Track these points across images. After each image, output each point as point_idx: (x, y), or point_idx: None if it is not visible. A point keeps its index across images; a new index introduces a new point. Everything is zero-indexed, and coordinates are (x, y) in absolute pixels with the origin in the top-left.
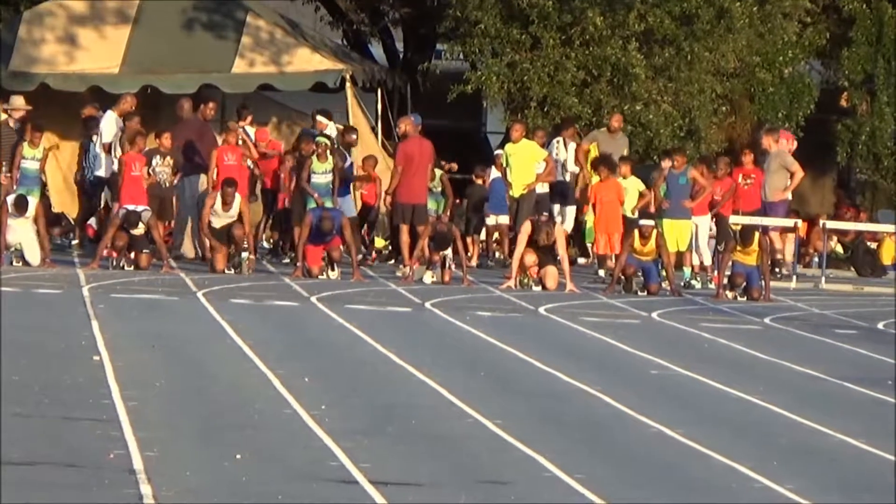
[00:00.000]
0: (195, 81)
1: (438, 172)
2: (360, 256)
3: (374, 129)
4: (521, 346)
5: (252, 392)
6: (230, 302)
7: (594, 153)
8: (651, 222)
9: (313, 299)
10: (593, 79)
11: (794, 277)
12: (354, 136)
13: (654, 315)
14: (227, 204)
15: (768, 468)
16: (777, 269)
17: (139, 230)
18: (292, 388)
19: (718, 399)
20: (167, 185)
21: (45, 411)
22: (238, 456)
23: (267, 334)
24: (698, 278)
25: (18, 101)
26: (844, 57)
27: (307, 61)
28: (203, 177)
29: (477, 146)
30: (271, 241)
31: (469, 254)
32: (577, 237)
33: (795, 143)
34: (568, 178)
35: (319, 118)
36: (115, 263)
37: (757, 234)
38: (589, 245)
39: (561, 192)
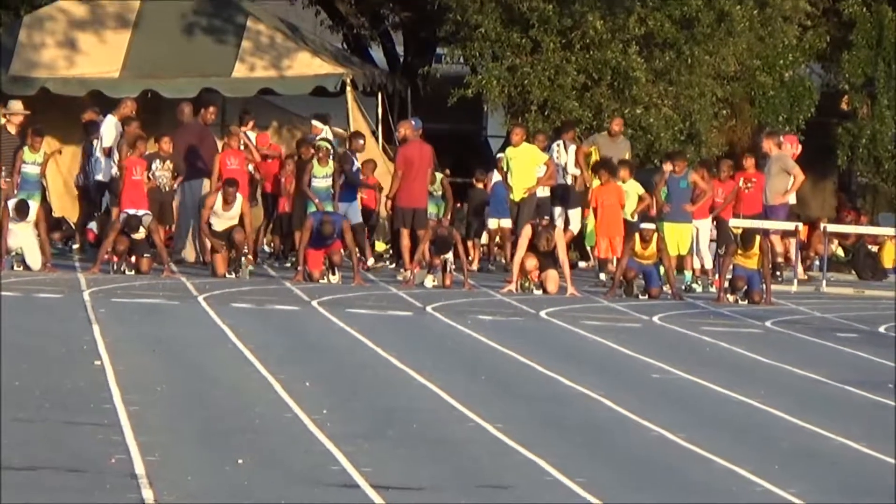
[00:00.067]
0: (195, 86)
1: (439, 176)
2: (372, 261)
3: (374, 134)
4: (522, 349)
5: (253, 396)
6: (231, 306)
7: (595, 157)
8: (652, 226)
9: (314, 303)
10: (594, 82)
11: (796, 281)
12: (362, 142)
13: (656, 319)
14: (227, 203)
15: (769, 472)
16: (778, 273)
17: (140, 234)
18: (293, 392)
19: (719, 402)
20: (167, 189)
21: (46, 416)
22: (239, 460)
23: (268, 338)
24: (699, 282)
25: (17, 106)
26: (845, 60)
27: (307, 65)
28: (205, 181)
29: (477, 150)
30: (271, 244)
31: (470, 258)
32: (578, 241)
33: (800, 147)
34: (569, 180)
35: (314, 122)
36: (115, 268)
37: (758, 238)
38: (589, 248)
39: (562, 195)
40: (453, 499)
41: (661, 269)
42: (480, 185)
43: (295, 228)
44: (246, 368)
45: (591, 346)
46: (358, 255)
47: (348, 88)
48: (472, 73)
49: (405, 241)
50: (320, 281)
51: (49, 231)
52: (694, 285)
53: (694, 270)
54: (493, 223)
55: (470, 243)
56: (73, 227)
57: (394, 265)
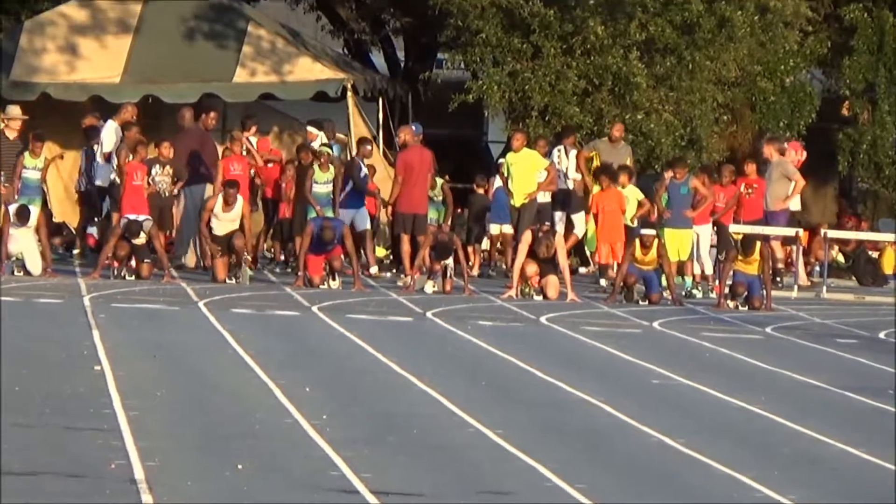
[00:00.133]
0: (196, 91)
1: (439, 181)
2: (375, 269)
3: (375, 139)
4: (522, 355)
5: (253, 401)
6: (231, 311)
7: (596, 162)
8: (652, 232)
9: (314, 309)
10: (594, 88)
11: (796, 287)
12: (369, 148)
13: (656, 324)
14: (228, 205)
15: (770, 478)
16: (778, 279)
17: (140, 240)
18: (293, 398)
19: (720, 408)
20: (166, 194)
21: (47, 421)
22: (239, 466)
23: (268, 344)
24: (699, 287)
25: (15, 111)
26: (846, 66)
27: (308, 70)
28: (206, 186)
29: (478, 155)
30: (272, 250)
31: (470, 263)
32: (578, 246)
33: (805, 154)
34: (571, 185)
35: (310, 129)
36: (116, 273)
37: (758, 244)
38: (589, 254)
39: (563, 200)
40: None
41: (662, 275)
42: (481, 191)
43: (295, 234)
44: (246, 374)
45: (592, 351)
46: (363, 260)
47: (349, 94)
48: (473, 78)
49: (405, 247)
50: (320, 286)
51: (50, 236)
52: (694, 291)
53: (694, 276)
54: (495, 229)
55: (470, 249)
56: (74, 232)
57: (394, 271)
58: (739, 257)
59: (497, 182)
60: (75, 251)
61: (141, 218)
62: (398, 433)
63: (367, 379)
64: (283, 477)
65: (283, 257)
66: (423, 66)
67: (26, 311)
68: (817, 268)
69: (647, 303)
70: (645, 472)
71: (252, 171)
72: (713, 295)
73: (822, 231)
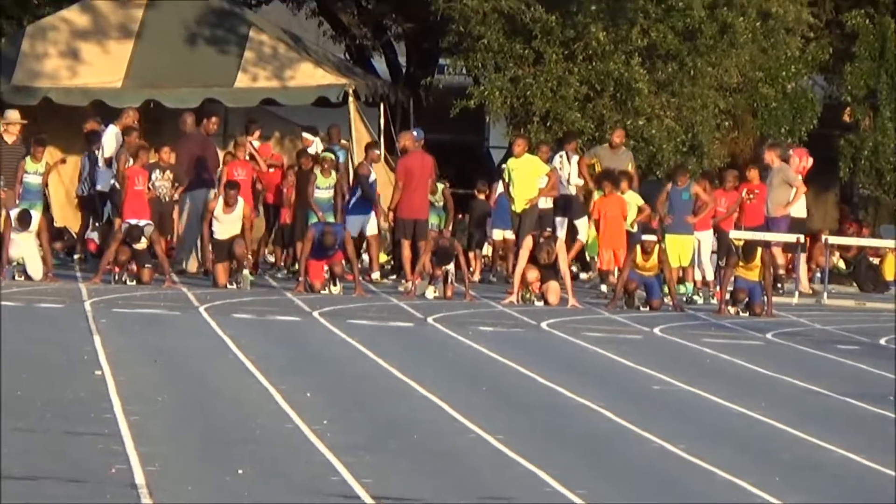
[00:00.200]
0: (198, 96)
1: (441, 187)
2: (377, 275)
3: (376, 144)
4: (523, 361)
5: (254, 407)
6: (232, 317)
7: (597, 169)
8: (653, 237)
9: (315, 314)
10: (596, 94)
11: (797, 293)
12: (378, 152)
13: (657, 330)
14: (229, 206)
15: (770, 484)
16: (779, 285)
17: (142, 245)
18: (294, 403)
19: (720, 414)
20: (167, 199)
21: (47, 426)
22: (240, 471)
23: (269, 349)
24: (700, 294)
25: (13, 115)
26: (847, 72)
27: (310, 76)
28: (208, 191)
29: (479, 161)
30: (273, 255)
31: (471, 269)
32: (578, 251)
33: (811, 161)
34: (573, 191)
35: (305, 135)
36: (117, 278)
37: (759, 250)
38: (589, 259)
39: (564, 206)
40: None
41: (663, 281)
42: (482, 196)
43: (296, 239)
44: (247, 379)
45: (592, 357)
46: (365, 265)
47: (350, 99)
48: (475, 83)
49: (406, 252)
50: (321, 292)
51: (51, 241)
52: (695, 297)
53: (695, 282)
54: (497, 234)
55: (472, 254)
56: (75, 236)
57: (395, 276)
58: (740, 263)
59: (500, 188)
60: (76, 256)
61: (142, 223)
62: (399, 439)
63: (367, 384)
64: (284, 482)
65: (283, 262)
66: (425, 72)
67: (27, 315)
68: (818, 274)
69: (647, 309)
70: (646, 478)
71: (254, 177)
72: (714, 301)
73: (824, 237)
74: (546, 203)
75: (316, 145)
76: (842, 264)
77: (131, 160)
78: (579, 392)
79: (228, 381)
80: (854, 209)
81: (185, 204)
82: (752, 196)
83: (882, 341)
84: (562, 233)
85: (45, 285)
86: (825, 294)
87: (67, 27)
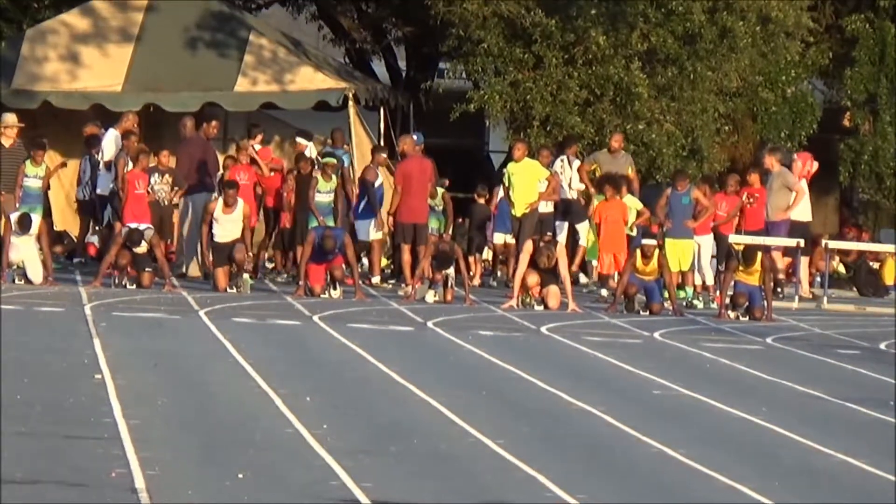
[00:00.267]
0: (198, 100)
1: (440, 191)
2: (377, 279)
3: (377, 148)
4: (522, 365)
5: (254, 411)
6: (232, 321)
7: (598, 174)
8: (653, 242)
9: (315, 318)
10: (596, 98)
11: (797, 298)
12: (384, 156)
13: (657, 335)
14: (228, 206)
15: (770, 488)
16: (779, 289)
17: (142, 248)
18: (294, 407)
19: (720, 419)
20: (165, 203)
21: (47, 430)
22: (240, 475)
23: (269, 353)
24: (700, 298)
25: (10, 119)
26: (847, 76)
27: (310, 80)
28: (209, 195)
29: (479, 165)
30: (273, 259)
31: (471, 273)
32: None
33: (816, 165)
34: (574, 195)
35: (299, 140)
36: (117, 282)
37: (759, 254)
38: (589, 263)
39: (565, 210)
40: None
41: (663, 285)
42: (482, 201)
43: (297, 243)
44: (247, 383)
45: (592, 361)
46: (365, 269)
47: (350, 103)
48: (475, 88)
49: (406, 257)
50: (321, 296)
51: (51, 244)
52: (695, 301)
53: (695, 286)
54: (498, 238)
55: (472, 259)
56: (75, 240)
57: (395, 280)
58: (740, 267)
59: (501, 192)
60: (77, 260)
61: (142, 227)
62: (399, 443)
63: (367, 388)
64: (284, 486)
65: (283, 266)
66: (425, 76)
67: (27, 319)
68: (818, 278)
69: (647, 313)
70: (645, 483)
71: (255, 181)
72: (714, 305)
73: (824, 241)
74: (546, 207)
75: (310, 150)
76: (842, 269)
77: (131, 164)
78: (579, 396)
79: (228, 385)
80: (854, 213)
81: (186, 208)
82: (752, 200)
83: (882, 346)
84: (562, 237)
85: (45, 289)
86: (825, 298)
87: (67, 31)
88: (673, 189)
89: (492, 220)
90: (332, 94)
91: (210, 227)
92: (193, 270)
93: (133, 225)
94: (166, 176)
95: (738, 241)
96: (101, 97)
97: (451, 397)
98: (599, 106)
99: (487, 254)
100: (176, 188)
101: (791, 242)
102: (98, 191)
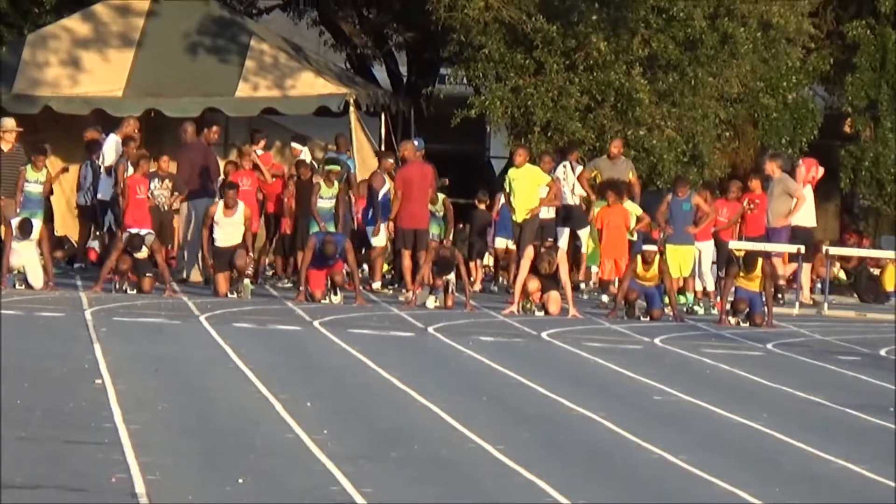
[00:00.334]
0: (199, 105)
1: (441, 196)
2: (378, 285)
3: (377, 154)
4: (523, 371)
5: (254, 416)
6: (233, 326)
7: (599, 179)
8: (654, 248)
9: (316, 323)
10: (597, 104)
11: (798, 304)
12: (391, 161)
13: (657, 340)
14: (229, 207)
15: (770, 494)
16: (780, 295)
17: (143, 254)
18: (294, 413)
19: (721, 425)
20: (165, 208)
21: (48, 435)
22: (240, 480)
23: (269, 358)
24: (701, 304)
25: (9, 123)
26: (848, 83)
27: (311, 85)
28: (210, 200)
29: (480, 171)
30: (273, 264)
31: (472, 278)
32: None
33: (822, 170)
34: (577, 201)
35: (294, 145)
36: (117, 287)
37: (760, 260)
38: (589, 268)
39: (567, 216)
40: None
41: (663, 291)
42: (482, 206)
43: (297, 249)
44: (247, 388)
45: (593, 367)
46: (366, 275)
47: (351, 108)
48: (476, 93)
49: (406, 262)
50: (322, 301)
51: (52, 250)
52: (696, 307)
53: (696, 292)
54: (500, 242)
55: (472, 264)
56: (75, 245)
57: (395, 286)
58: (741, 273)
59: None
60: (77, 265)
61: (143, 232)
62: (399, 448)
63: (368, 394)
64: (284, 492)
65: (284, 271)
66: (426, 82)
67: (28, 324)
68: (819, 284)
69: (648, 319)
70: (646, 489)
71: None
72: (714, 311)
73: (824, 248)
74: (548, 213)
75: (305, 154)
76: (842, 275)
77: (131, 169)
78: (580, 402)
79: (229, 390)
80: (855, 220)
81: (189, 214)
82: (752, 206)
83: (882, 352)
84: (563, 243)
85: (45, 294)
86: (826, 305)
87: (68, 36)
88: (674, 195)
89: (492, 225)
90: (333, 99)
91: (210, 231)
92: (195, 275)
93: (134, 230)
94: (166, 181)
95: (738, 247)
96: (102, 102)
97: (452, 403)
98: (600, 112)
99: (488, 259)
100: (176, 193)
101: (791, 248)
102: (99, 196)
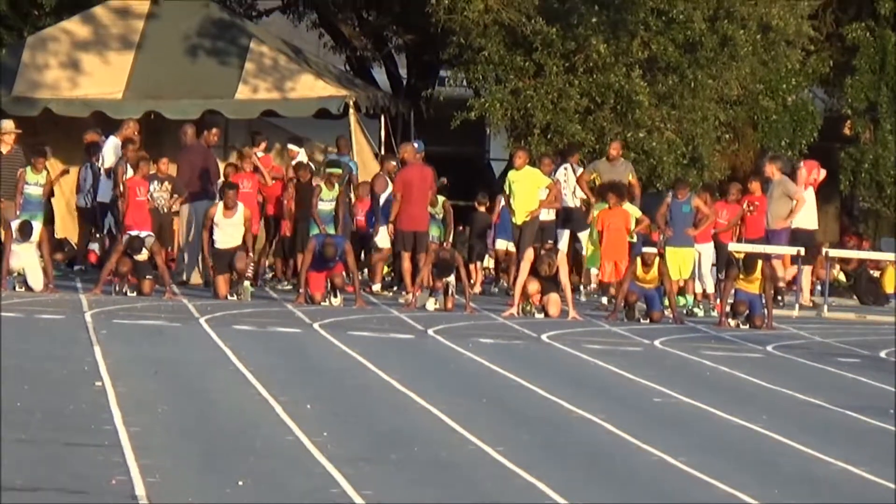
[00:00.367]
0: (198, 107)
1: (441, 199)
2: (378, 287)
3: (377, 156)
4: (523, 373)
5: (254, 418)
6: (232, 328)
7: (598, 182)
8: (654, 250)
9: (316, 326)
10: (597, 106)
11: (797, 306)
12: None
13: (657, 343)
14: (228, 208)
15: (770, 496)
16: (780, 298)
17: (143, 256)
18: (294, 415)
19: (720, 427)
20: (165, 210)
21: (48, 437)
22: (240, 482)
23: (269, 361)
24: (701, 306)
25: (8, 125)
26: (848, 85)
27: (310, 88)
28: (210, 202)
29: (480, 173)
30: (273, 266)
31: (472, 281)
32: (580, 263)
33: (824, 173)
34: (577, 203)
35: (291, 146)
36: (117, 289)
37: (760, 262)
38: (589, 270)
39: (567, 218)
40: None
41: (663, 293)
42: (482, 209)
43: (297, 251)
44: (247, 390)
45: (593, 369)
46: (365, 277)
47: (351, 111)
48: (476, 95)
49: (406, 264)
50: (322, 303)
51: (52, 252)
52: (695, 309)
53: (696, 295)
54: (501, 244)
55: (472, 266)
56: (75, 247)
57: (395, 288)
58: (741, 276)
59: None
60: (77, 267)
61: (143, 234)
62: (399, 450)
63: (368, 396)
64: (284, 494)
65: (283, 274)
66: (426, 84)
67: (27, 326)
68: (819, 287)
69: (648, 321)
70: (645, 491)
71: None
72: (714, 313)
73: (824, 250)
74: (548, 215)
75: (301, 156)
76: (842, 277)
77: (130, 171)
78: (579, 404)
79: (229, 392)
80: (854, 222)
81: (190, 216)
82: (752, 208)
83: (882, 354)
84: (563, 245)
85: (45, 296)
86: (825, 307)
87: (68, 38)
88: (673, 197)
89: (492, 228)
90: (333, 101)
91: (210, 233)
92: (195, 278)
93: (134, 232)
94: (165, 183)
95: (738, 249)
96: (102, 104)
97: (452, 405)
98: (600, 114)
99: (488, 261)
100: (175, 195)
101: (791, 250)
102: (99, 198)
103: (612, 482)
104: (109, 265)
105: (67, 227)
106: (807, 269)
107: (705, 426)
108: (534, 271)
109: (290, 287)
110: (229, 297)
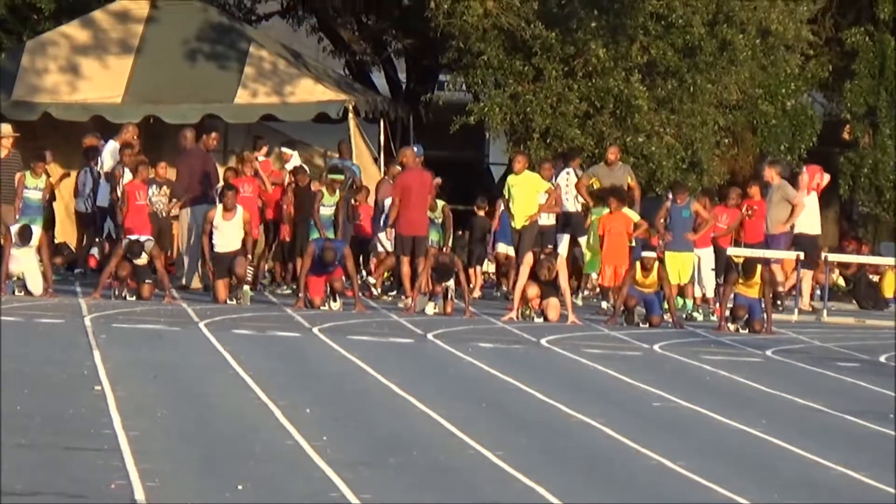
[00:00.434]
0: (198, 111)
1: (440, 203)
2: (378, 291)
3: (376, 160)
4: (522, 377)
5: (253, 423)
6: (232, 332)
7: (596, 186)
8: (653, 254)
9: (315, 330)
10: (596, 110)
11: (797, 310)
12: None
13: (656, 347)
14: (228, 210)
15: (769, 501)
16: (779, 302)
17: (142, 260)
18: (294, 419)
19: (720, 431)
20: (163, 214)
21: (47, 441)
22: (239, 486)
23: (268, 365)
24: (700, 310)
25: (6, 129)
26: (847, 89)
27: (310, 92)
28: (210, 207)
29: (479, 177)
30: (272, 271)
31: (471, 285)
32: (579, 268)
33: (827, 177)
34: (578, 207)
35: (284, 150)
36: (117, 293)
37: (759, 267)
38: (589, 274)
39: (567, 222)
40: None
41: (663, 298)
42: (482, 213)
43: (297, 255)
44: (246, 395)
45: (592, 374)
46: (365, 281)
47: (350, 115)
48: (475, 100)
49: (405, 269)
50: (321, 308)
51: (51, 256)
52: (695, 314)
53: (695, 299)
54: (501, 248)
55: (472, 271)
56: (75, 252)
57: (395, 292)
58: (740, 280)
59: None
60: (76, 271)
61: (143, 238)
62: (398, 454)
63: (367, 400)
64: (283, 498)
65: (283, 278)
66: (425, 88)
67: (27, 330)
68: (818, 291)
69: (647, 325)
70: (644, 495)
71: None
72: (714, 318)
73: (823, 254)
74: (547, 220)
75: (295, 159)
76: (841, 282)
77: (128, 175)
78: (579, 408)
79: (228, 396)
80: (854, 226)
81: (189, 221)
82: (750, 212)
83: (882, 358)
84: (563, 249)
85: (45, 300)
86: (825, 311)
87: (67, 42)
88: (673, 202)
89: (491, 232)
90: (332, 106)
91: (210, 237)
92: (195, 282)
93: (133, 236)
94: (164, 188)
95: (737, 253)
96: (101, 109)
97: (451, 409)
98: (599, 118)
99: (488, 266)
100: (174, 200)
101: (790, 255)
102: (98, 202)
103: (611, 486)
104: (109, 269)
105: (67, 232)
106: (808, 274)
107: (704, 430)
108: (533, 275)
109: (289, 291)
110: (229, 302)
